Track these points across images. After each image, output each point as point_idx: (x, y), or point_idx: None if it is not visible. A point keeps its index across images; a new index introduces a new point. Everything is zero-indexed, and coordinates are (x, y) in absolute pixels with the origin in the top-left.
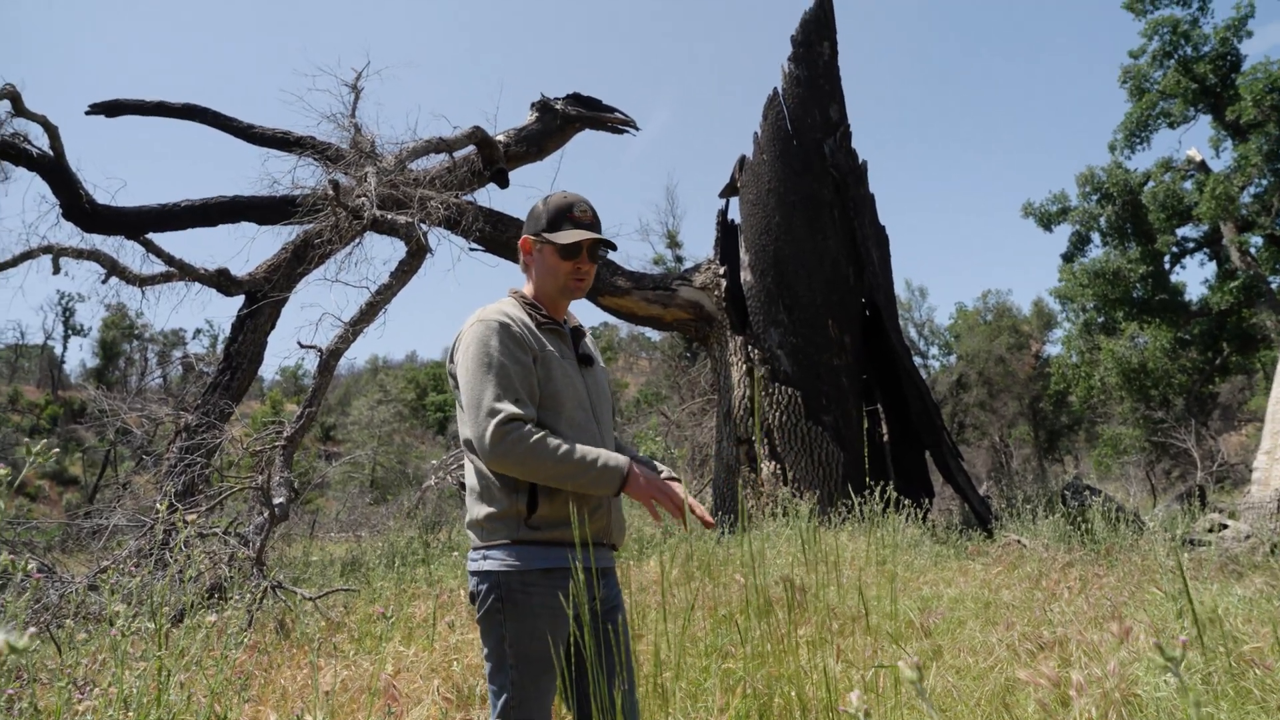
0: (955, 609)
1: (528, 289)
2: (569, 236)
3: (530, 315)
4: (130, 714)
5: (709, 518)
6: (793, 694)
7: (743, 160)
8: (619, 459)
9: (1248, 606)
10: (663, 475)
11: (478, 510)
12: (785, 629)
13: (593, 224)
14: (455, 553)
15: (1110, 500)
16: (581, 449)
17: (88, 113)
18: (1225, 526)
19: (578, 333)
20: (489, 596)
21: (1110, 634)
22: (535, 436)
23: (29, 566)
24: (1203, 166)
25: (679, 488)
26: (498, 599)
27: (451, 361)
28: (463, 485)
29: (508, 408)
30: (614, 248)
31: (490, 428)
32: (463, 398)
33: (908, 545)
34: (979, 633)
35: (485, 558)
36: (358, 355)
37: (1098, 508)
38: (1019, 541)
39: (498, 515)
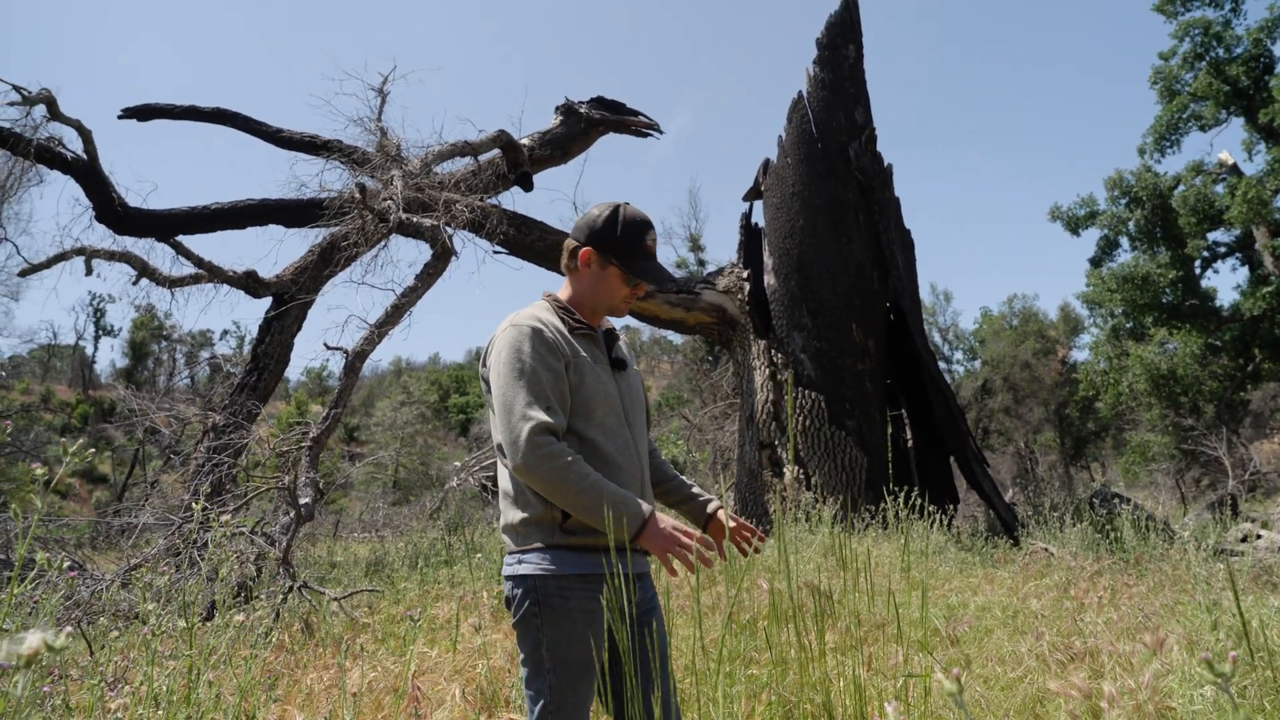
0: (982, 617)
1: (564, 293)
2: (647, 274)
3: (563, 320)
4: (160, 712)
5: (752, 543)
6: (819, 701)
7: (767, 163)
8: (641, 508)
9: None
10: (710, 506)
11: (512, 515)
12: (812, 636)
13: (656, 252)
14: (479, 554)
15: (1140, 508)
16: (606, 486)
17: (120, 117)
18: (1259, 536)
19: (611, 336)
20: (525, 601)
21: (1143, 645)
22: (568, 459)
23: (63, 565)
24: (1235, 170)
25: (718, 517)
26: (534, 603)
27: (484, 366)
28: (484, 488)
29: (540, 416)
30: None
31: (523, 435)
32: (494, 403)
33: (933, 552)
34: (1007, 642)
35: (520, 562)
36: (381, 357)
37: (1127, 516)
38: (1046, 550)
39: (532, 520)
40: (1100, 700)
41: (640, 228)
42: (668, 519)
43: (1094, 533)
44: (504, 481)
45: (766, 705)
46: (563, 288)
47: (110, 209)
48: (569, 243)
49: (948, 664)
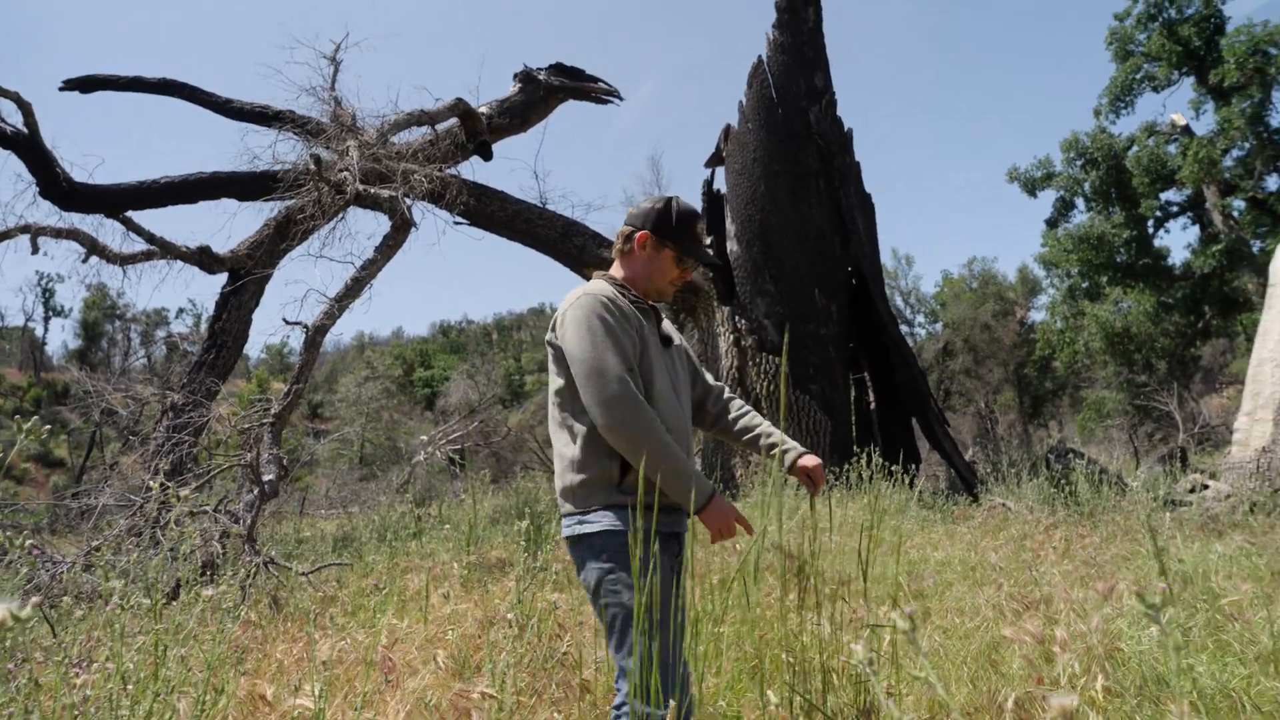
0: (943, 572)
1: (618, 272)
2: (699, 254)
3: (625, 297)
4: (128, 688)
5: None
6: (783, 656)
7: (728, 129)
8: (709, 487)
9: (1228, 563)
10: (790, 455)
11: (570, 478)
12: (778, 594)
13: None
14: (447, 526)
15: (1094, 463)
16: (684, 459)
17: (62, 88)
18: (1206, 487)
19: (657, 314)
20: (596, 561)
21: (1095, 592)
22: (658, 423)
23: (25, 543)
24: (1186, 130)
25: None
26: (608, 561)
27: (554, 333)
28: (452, 460)
29: (630, 378)
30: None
31: (620, 395)
32: (578, 366)
33: (895, 511)
34: (966, 594)
35: (582, 522)
36: (344, 332)
37: (1081, 470)
38: (1004, 505)
39: (591, 481)
40: (1053, 645)
41: (692, 215)
42: (726, 502)
43: (1050, 488)
44: (561, 446)
45: (734, 661)
46: (614, 269)
47: (55, 184)
48: (624, 229)
49: (908, 617)
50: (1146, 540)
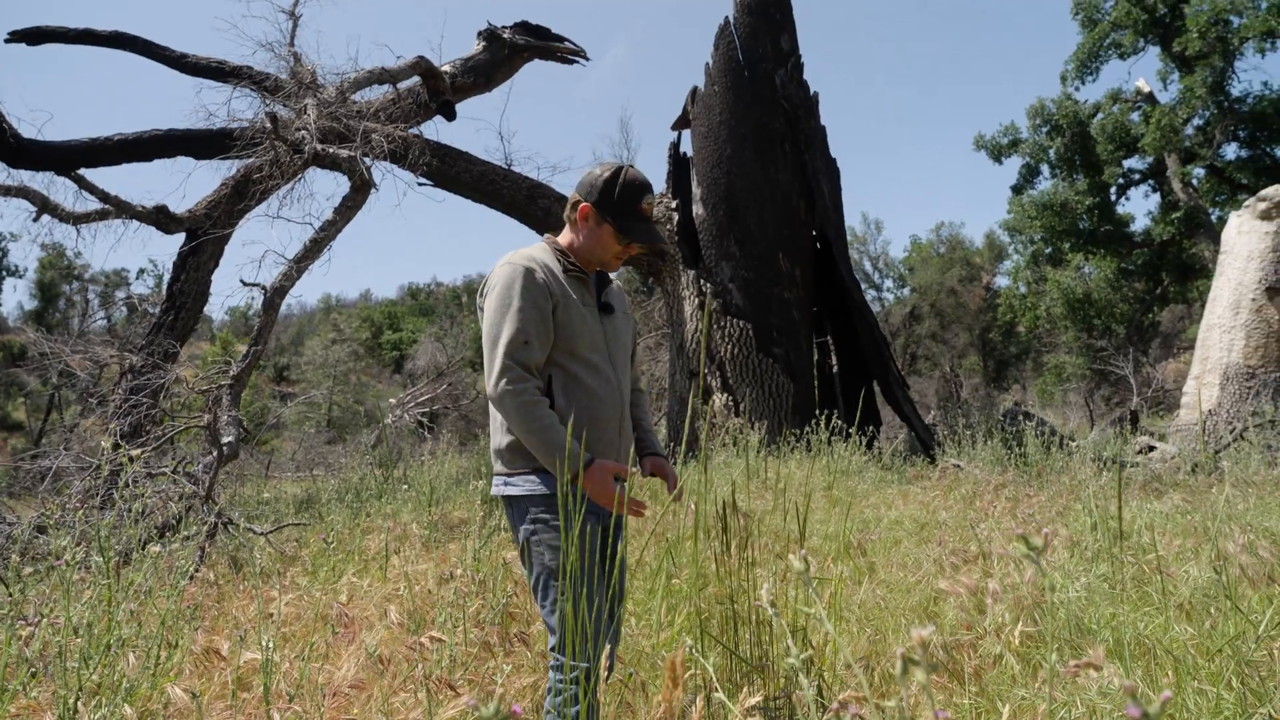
0: (894, 530)
1: (564, 239)
2: (638, 235)
3: (559, 261)
4: (78, 640)
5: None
6: (731, 610)
7: (695, 91)
8: (576, 463)
9: (1162, 520)
10: (646, 453)
11: (500, 439)
12: (730, 552)
13: (651, 214)
14: (405, 486)
15: (1044, 424)
16: (555, 435)
17: (7, 40)
18: (1154, 448)
19: (603, 280)
20: (520, 523)
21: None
22: (530, 399)
23: None
24: (1150, 98)
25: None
26: (530, 523)
27: (480, 297)
28: (420, 423)
29: (516, 353)
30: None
31: (498, 369)
32: (484, 332)
33: (852, 472)
34: (913, 551)
35: (507, 484)
36: (308, 294)
37: (1031, 432)
38: (956, 465)
39: (518, 444)
40: (985, 596)
41: (638, 191)
42: (606, 469)
43: (1002, 449)
44: (493, 409)
45: (685, 616)
46: (563, 234)
47: (1, 141)
48: (572, 196)
49: (855, 572)
50: (1085, 498)
